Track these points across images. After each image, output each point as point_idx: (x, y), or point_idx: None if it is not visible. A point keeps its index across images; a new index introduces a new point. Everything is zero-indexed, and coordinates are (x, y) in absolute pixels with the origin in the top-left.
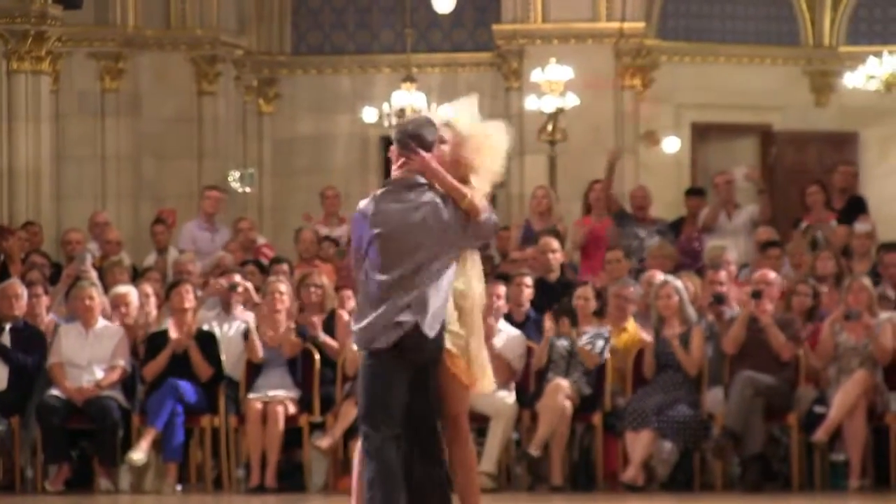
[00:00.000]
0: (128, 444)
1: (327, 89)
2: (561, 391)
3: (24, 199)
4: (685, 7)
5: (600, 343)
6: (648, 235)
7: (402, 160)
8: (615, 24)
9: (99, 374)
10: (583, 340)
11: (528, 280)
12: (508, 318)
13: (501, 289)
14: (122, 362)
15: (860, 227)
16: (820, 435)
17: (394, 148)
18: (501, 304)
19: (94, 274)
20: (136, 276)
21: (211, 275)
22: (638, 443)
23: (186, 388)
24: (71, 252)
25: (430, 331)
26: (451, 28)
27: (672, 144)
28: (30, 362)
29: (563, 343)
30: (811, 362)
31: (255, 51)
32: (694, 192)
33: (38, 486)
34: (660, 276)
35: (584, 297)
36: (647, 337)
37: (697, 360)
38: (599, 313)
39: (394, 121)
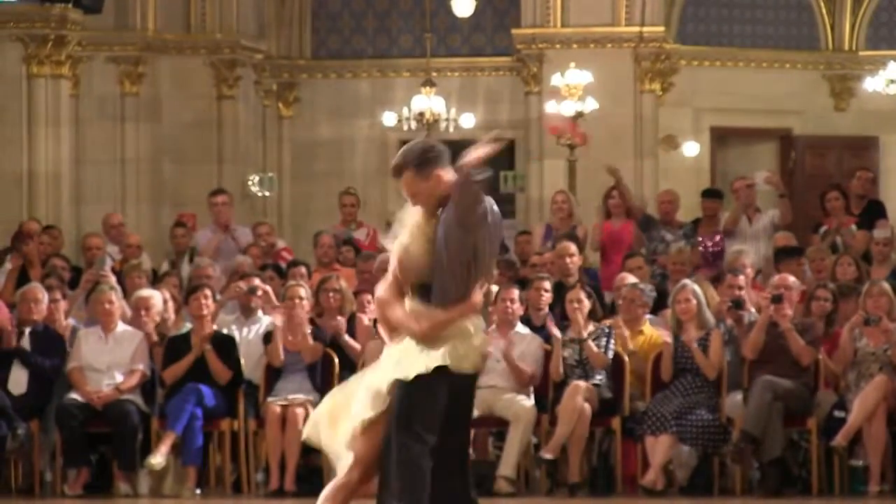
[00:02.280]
0: (147, 449)
1: (347, 93)
2: (579, 393)
3: (44, 203)
4: (704, 11)
5: (604, 341)
6: (675, 239)
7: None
8: (635, 29)
9: (118, 378)
10: (589, 342)
11: (547, 284)
12: (527, 321)
13: (515, 293)
14: (142, 366)
15: (879, 232)
16: (839, 440)
17: (411, 175)
18: (516, 307)
19: (113, 278)
20: (156, 279)
21: (230, 279)
22: (658, 447)
23: (206, 391)
24: (91, 257)
25: None
26: (471, 32)
27: (691, 149)
28: (49, 366)
29: (568, 352)
30: (830, 367)
31: (275, 55)
32: (710, 195)
33: (57, 490)
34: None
35: (576, 299)
36: (667, 338)
37: (716, 364)
38: (594, 314)
39: (413, 125)
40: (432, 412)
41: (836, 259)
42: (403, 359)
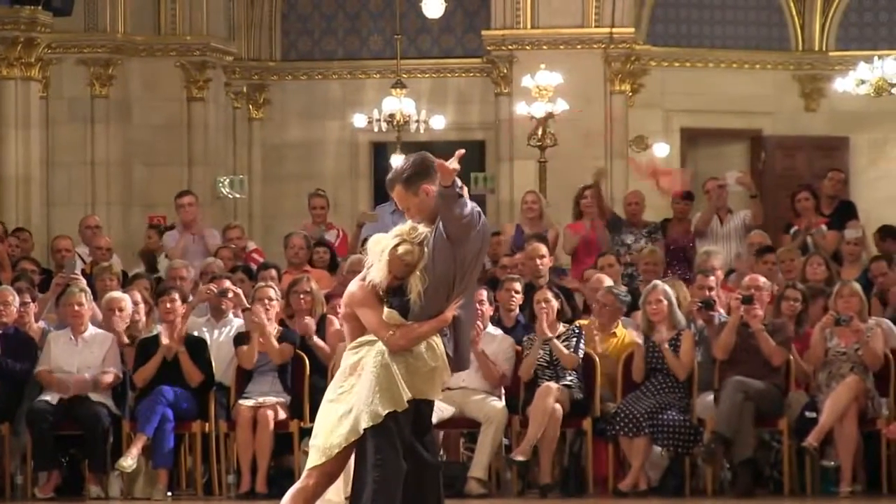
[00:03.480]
0: (118, 451)
1: (317, 95)
2: (551, 394)
3: (14, 206)
4: (674, 12)
5: (574, 342)
6: (636, 240)
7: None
8: (605, 30)
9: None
10: (555, 342)
11: (518, 285)
12: (499, 323)
13: (483, 293)
14: (114, 369)
15: (850, 232)
16: (811, 440)
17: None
18: (486, 309)
19: (83, 281)
20: (126, 282)
21: (200, 281)
22: (634, 449)
23: (177, 393)
24: (61, 260)
25: None
26: (441, 34)
27: (662, 150)
28: (20, 369)
29: (539, 353)
30: (802, 367)
31: (245, 57)
32: (680, 196)
33: (28, 493)
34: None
35: (542, 300)
36: (638, 339)
37: (687, 365)
38: (562, 314)
39: (384, 127)
40: (395, 449)
41: (806, 259)
42: (357, 405)
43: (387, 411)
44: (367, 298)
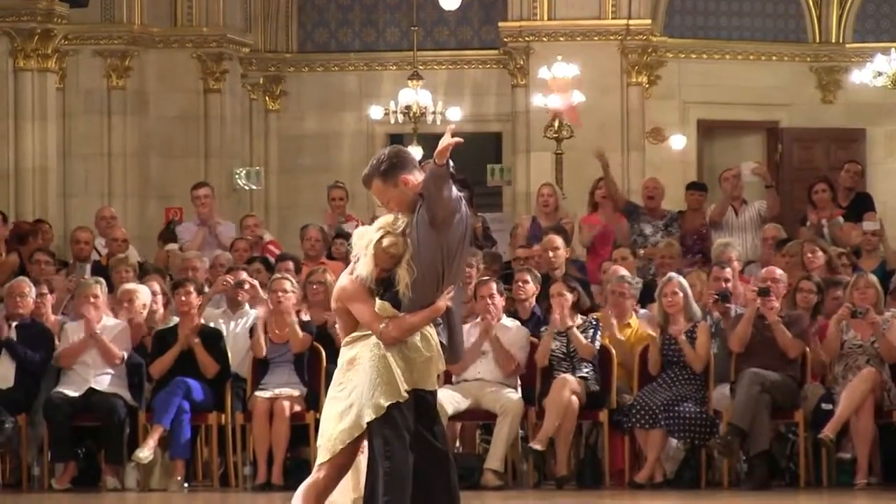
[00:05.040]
0: (134, 442)
1: (333, 87)
2: (567, 386)
3: (31, 198)
4: (692, 4)
5: (591, 332)
6: (654, 231)
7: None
8: (621, 22)
9: (106, 370)
10: (574, 330)
11: (527, 276)
12: (515, 315)
13: (493, 286)
14: (123, 352)
15: (867, 224)
16: (827, 432)
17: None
18: (498, 301)
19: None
20: (143, 273)
21: (210, 273)
22: (651, 442)
23: (193, 385)
24: (79, 251)
25: None
26: (458, 25)
27: (678, 142)
28: (37, 360)
29: (556, 344)
30: (818, 359)
31: (261, 49)
32: (695, 187)
33: (45, 484)
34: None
35: (557, 292)
36: (653, 332)
37: (703, 357)
38: (578, 305)
39: (400, 118)
40: (402, 439)
41: (801, 247)
42: (358, 400)
43: (389, 402)
44: (357, 292)
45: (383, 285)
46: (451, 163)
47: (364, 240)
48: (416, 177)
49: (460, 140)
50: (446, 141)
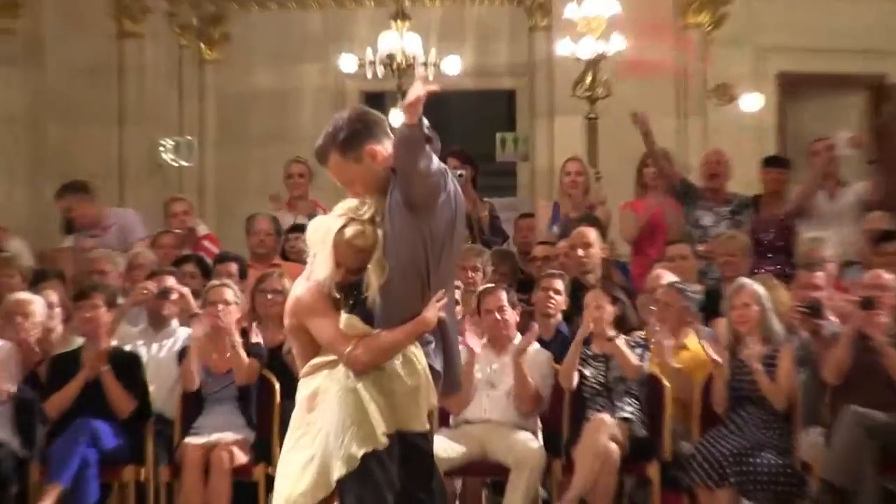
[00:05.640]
0: None
1: (292, 30)
2: (605, 430)
3: None
4: None
5: (639, 351)
6: (715, 221)
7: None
8: None
9: None
10: (621, 344)
11: (559, 284)
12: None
13: (503, 296)
14: (8, 385)
15: None
16: None
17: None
18: (509, 315)
19: None
20: (37, 279)
21: (127, 277)
22: (716, 503)
23: (102, 428)
24: None
25: None
26: None
27: (752, 102)
28: None
29: (590, 371)
30: None
31: None
32: (774, 163)
33: None
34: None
35: (595, 304)
36: (718, 357)
37: (787, 391)
38: (623, 322)
39: (380, 71)
40: (383, 499)
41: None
42: (323, 449)
43: (363, 451)
44: (316, 303)
45: (350, 293)
46: (426, 122)
47: (320, 232)
48: (388, 147)
49: (436, 87)
50: (416, 91)
